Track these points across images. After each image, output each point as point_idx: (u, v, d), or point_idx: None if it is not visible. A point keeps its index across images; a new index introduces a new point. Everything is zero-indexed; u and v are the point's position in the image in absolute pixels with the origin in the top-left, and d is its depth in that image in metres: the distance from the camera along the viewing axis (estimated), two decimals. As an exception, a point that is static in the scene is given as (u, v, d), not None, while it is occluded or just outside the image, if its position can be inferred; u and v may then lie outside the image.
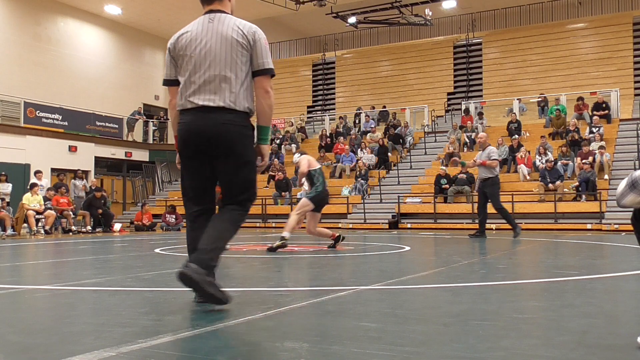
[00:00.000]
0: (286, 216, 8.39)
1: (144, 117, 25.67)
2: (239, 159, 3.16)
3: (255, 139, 3.28)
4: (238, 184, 3.18)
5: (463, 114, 21.71)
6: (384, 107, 24.53)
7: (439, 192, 16.94)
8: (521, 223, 12.49)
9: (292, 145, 23.19)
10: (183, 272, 2.93)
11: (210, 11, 3.24)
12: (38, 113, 20.61)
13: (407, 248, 8.50)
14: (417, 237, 12.07)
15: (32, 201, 14.91)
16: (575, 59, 23.02)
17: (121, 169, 24.32)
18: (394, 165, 19.92)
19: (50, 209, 15.27)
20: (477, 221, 11.26)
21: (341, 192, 18.51)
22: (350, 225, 16.94)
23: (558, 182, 15.65)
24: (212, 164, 3.18)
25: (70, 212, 15.98)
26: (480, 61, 24.85)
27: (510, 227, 10.74)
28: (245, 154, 3.18)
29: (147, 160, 24.69)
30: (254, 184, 3.28)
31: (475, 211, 15.97)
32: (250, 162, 3.21)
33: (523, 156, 17.28)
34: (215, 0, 3.25)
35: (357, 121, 24.15)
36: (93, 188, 18.22)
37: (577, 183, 15.52)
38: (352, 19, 23.99)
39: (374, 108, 24.75)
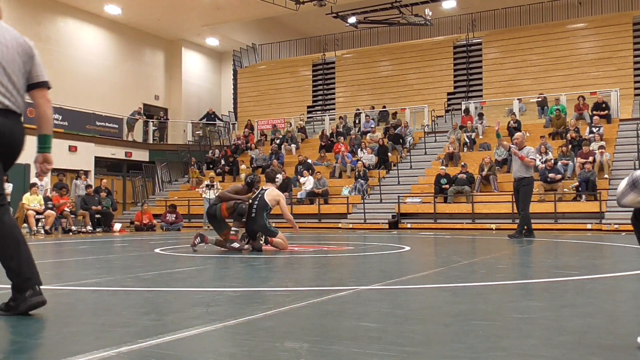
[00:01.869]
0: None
1: (144, 117, 25.64)
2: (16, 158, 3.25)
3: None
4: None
5: (463, 114, 21.71)
6: (384, 107, 24.51)
7: (439, 192, 16.93)
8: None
9: (292, 145, 23.14)
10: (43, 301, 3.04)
11: None
12: (38, 113, 20.58)
13: (407, 248, 8.50)
14: (417, 237, 12.07)
15: (32, 201, 14.92)
16: (575, 59, 22.99)
17: (121, 169, 24.31)
18: (394, 165, 19.92)
19: (50, 208, 15.26)
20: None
21: (341, 192, 18.51)
22: (350, 225, 16.93)
23: (558, 182, 15.65)
24: None
25: (69, 212, 15.96)
26: (480, 61, 24.82)
27: (516, 227, 10.69)
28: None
29: (147, 160, 24.66)
30: None
31: (476, 211, 16.15)
32: None
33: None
34: None
35: (357, 121, 24.13)
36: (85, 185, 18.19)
37: (577, 183, 15.52)
38: (352, 19, 23.95)
39: (373, 108, 24.73)
